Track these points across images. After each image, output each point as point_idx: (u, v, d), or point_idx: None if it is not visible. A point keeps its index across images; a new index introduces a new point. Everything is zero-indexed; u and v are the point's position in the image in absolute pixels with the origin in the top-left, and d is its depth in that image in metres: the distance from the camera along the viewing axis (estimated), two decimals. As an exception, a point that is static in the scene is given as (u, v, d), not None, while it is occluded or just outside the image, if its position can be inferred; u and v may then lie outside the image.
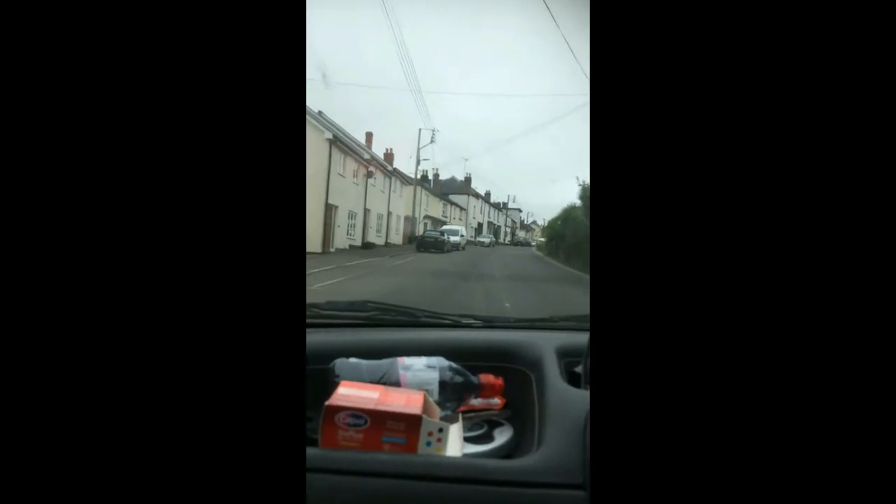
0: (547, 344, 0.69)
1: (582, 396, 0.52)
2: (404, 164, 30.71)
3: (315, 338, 0.68)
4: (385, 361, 0.60)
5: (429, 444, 0.47)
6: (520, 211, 75.21)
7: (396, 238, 21.61)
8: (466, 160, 50.66)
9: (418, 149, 21.91)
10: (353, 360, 0.60)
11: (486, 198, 46.29)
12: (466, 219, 38.62)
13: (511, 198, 60.54)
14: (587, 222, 10.59)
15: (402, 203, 22.65)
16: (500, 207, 54.63)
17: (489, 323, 0.87)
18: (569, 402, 0.52)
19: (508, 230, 60.36)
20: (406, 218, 23.32)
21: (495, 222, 51.51)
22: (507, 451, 0.55)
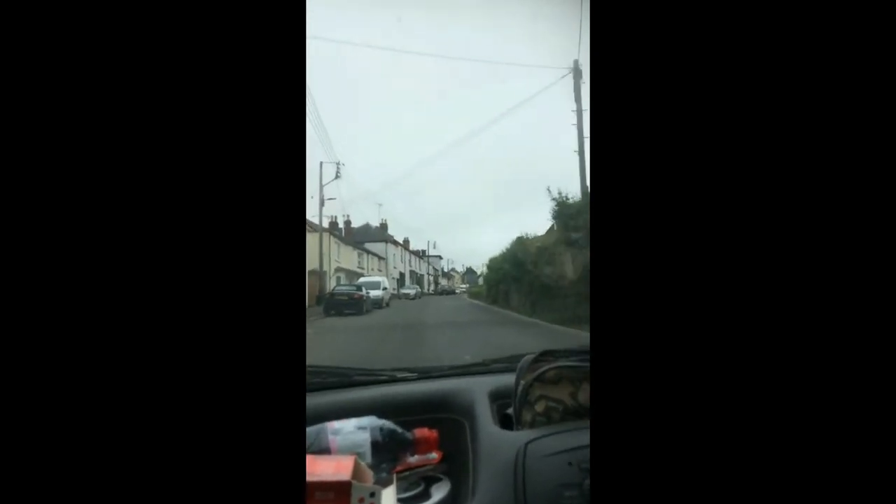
0: (479, 389, 0.72)
1: (513, 438, 0.54)
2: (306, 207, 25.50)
3: None
4: (313, 428, 0.59)
5: None
6: (440, 258, 71.58)
7: (299, 299, 15.98)
8: (380, 205, 45.99)
9: (321, 186, 17.10)
10: None
11: (406, 245, 42.21)
12: (387, 269, 33.76)
13: (431, 244, 56.54)
14: (576, 249, 6.52)
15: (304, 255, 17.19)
16: (421, 255, 50.70)
17: (425, 374, 0.89)
18: (500, 445, 0.53)
19: (431, 278, 56.18)
20: (312, 272, 17.94)
21: (417, 271, 47.22)
22: None
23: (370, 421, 0.60)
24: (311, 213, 20.06)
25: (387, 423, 0.60)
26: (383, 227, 40.94)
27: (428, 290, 50.76)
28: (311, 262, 20.53)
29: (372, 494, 0.47)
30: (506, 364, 0.87)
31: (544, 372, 0.60)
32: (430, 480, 0.61)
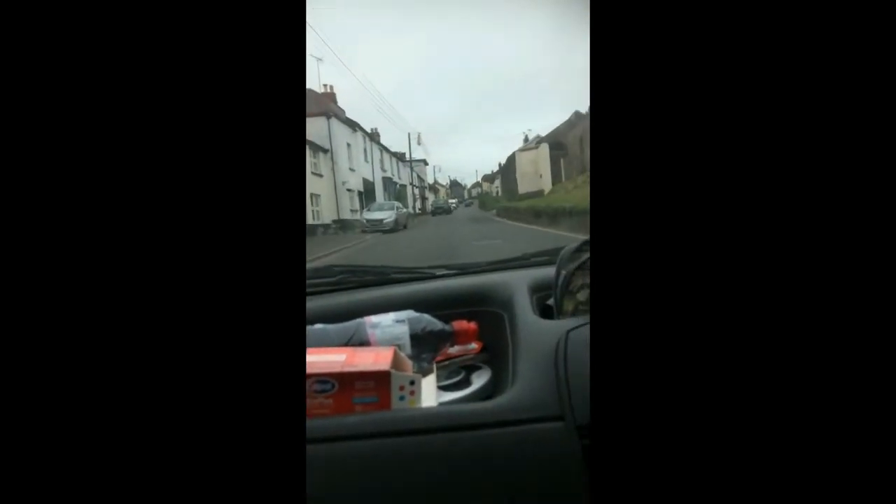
0: (518, 282, 0.79)
1: (555, 326, 0.60)
2: None
3: None
4: (352, 323, 0.68)
5: (402, 398, 0.52)
6: (425, 163, 51.02)
7: None
8: (320, 60, 25.13)
9: None
10: (318, 326, 0.68)
11: (375, 137, 22.59)
12: (334, 171, 12.74)
13: (416, 137, 37.61)
14: None
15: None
16: (401, 158, 31.88)
17: (463, 270, 0.98)
18: (541, 334, 0.58)
19: (416, 192, 37.52)
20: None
21: (396, 178, 27.92)
22: (486, 394, 0.63)
23: (408, 314, 0.68)
24: None
25: (425, 316, 0.69)
26: (328, 96, 21.80)
27: (414, 209, 32.44)
28: None
29: (412, 382, 0.52)
30: (546, 257, 0.96)
31: (586, 261, 0.65)
32: (470, 369, 0.70)
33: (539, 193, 30.37)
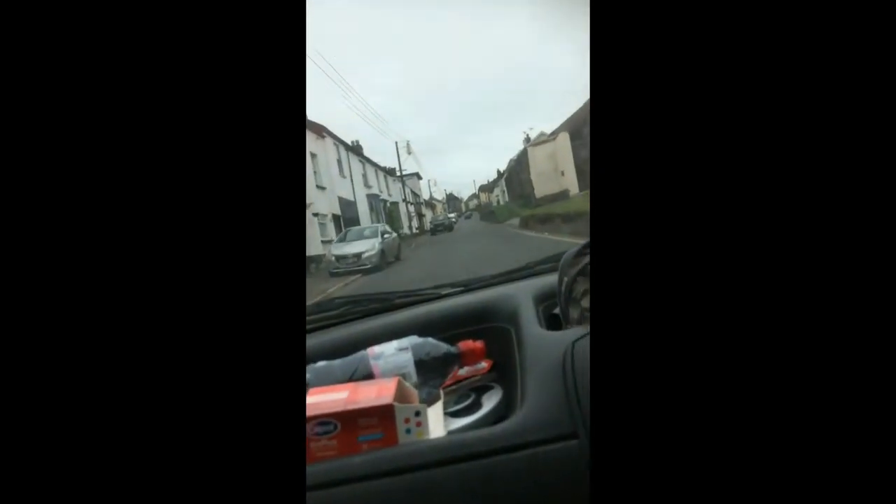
0: (523, 292, 0.82)
1: (560, 338, 0.61)
2: None
3: None
4: (354, 357, 0.71)
5: (408, 431, 0.52)
6: (418, 177, 45.48)
7: None
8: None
9: None
10: (321, 363, 0.70)
11: (356, 149, 16.58)
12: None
13: (405, 146, 32.19)
14: None
15: None
16: (393, 174, 26.62)
17: (467, 286, 1.03)
18: (546, 347, 0.59)
19: (412, 209, 31.90)
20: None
21: (385, 195, 21.76)
22: (498, 415, 0.63)
23: (410, 341, 0.69)
24: None
25: (428, 340, 0.70)
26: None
27: (411, 228, 26.79)
28: None
29: (417, 413, 0.53)
30: (551, 264, 0.99)
31: (587, 265, 0.65)
32: (480, 391, 0.69)
33: (563, 195, 25.59)
